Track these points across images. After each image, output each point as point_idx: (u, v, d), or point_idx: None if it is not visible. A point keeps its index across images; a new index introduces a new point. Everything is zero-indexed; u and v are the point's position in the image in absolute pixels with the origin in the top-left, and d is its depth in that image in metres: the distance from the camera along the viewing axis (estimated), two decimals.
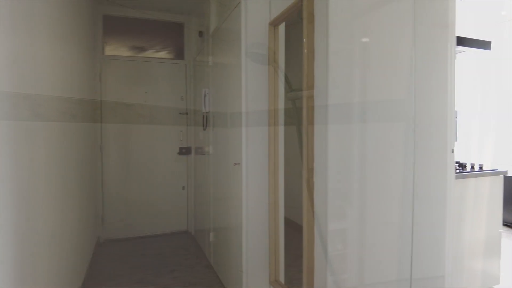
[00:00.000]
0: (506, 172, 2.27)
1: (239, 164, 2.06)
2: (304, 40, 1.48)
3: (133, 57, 3.81)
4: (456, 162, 2.23)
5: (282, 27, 2.03)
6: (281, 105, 2.00)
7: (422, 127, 1.66)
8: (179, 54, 4.03)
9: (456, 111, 2.03)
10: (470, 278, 2.11)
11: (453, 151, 1.81)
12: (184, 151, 3.95)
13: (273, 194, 1.98)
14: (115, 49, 3.77)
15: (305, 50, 1.47)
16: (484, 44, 2.35)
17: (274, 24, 1.92)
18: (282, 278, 2.10)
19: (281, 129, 2.00)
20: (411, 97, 1.62)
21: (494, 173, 2.18)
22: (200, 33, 3.44)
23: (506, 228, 4.08)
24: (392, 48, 1.56)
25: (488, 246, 2.19)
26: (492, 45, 2.41)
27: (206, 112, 2.95)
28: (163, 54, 3.97)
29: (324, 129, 1.43)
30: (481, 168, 2.23)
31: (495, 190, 2.22)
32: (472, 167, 2.24)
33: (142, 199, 3.81)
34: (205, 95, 2.89)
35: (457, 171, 2.12)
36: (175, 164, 3.94)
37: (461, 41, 2.24)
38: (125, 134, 3.74)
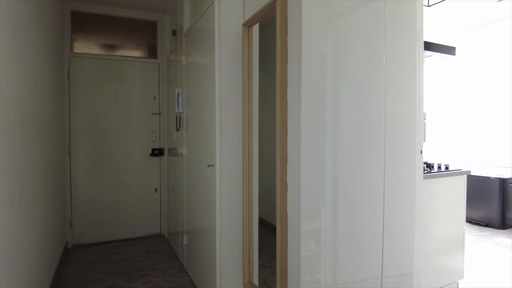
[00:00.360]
0: (469, 172, 2.38)
1: (213, 165, 2.03)
2: (277, 41, 1.48)
3: (104, 55, 3.68)
4: (424, 163, 2.31)
5: (256, 28, 2.03)
6: (255, 106, 1.99)
7: (392, 128, 1.70)
8: (152, 53, 3.94)
9: (425, 113, 2.10)
10: (437, 274, 2.19)
11: (421, 152, 1.87)
12: (157, 152, 3.87)
13: (247, 196, 1.97)
14: (85, 47, 3.63)
15: (278, 52, 1.47)
16: (449, 50, 2.45)
17: (248, 24, 1.91)
18: (256, 280, 2.09)
19: (255, 130, 1.99)
20: (382, 99, 1.66)
21: (458, 173, 2.28)
22: (174, 32, 3.38)
23: (468, 224, 4.29)
24: (364, 51, 1.59)
25: (453, 243, 2.28)
26: (456, 50, 2.52)
27: (180, 113, 2.89)
28: (136, 53, 3.87)
29: (297, 130, 1.43)
30: (447, 168, 2.32)
31: (459, 189, 2.32)
32: (439, 167, 2.33)
33: (113, 202, 3.69)
34: (178, 95, 2.83)
35: (425, 171, 2.19)
36: (148, 166, 3.85)
37: (429, 46, 2.33)
38: (95, 135, 3.61)
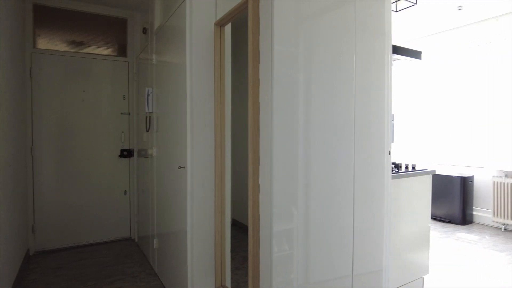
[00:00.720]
0: (434, 171, 2.48)
1: (184, 167, 1.99)
2: (249, 42, 1.47)
3: (70, 52, 3.52)
4: (392, 163, 2.38)
5: (228, 28, 2.01)
6: (228, 106, 1.97)
7: (362, 129, 1.74)
8: (121, 51, 3.81)
9: (393, 114, 2.17)
10: (404, 271, 2.27)
11: (390, 153, 1.92)
12: (126, 153, 3.74)
13: (219, 197, 1.94)
14: (49, 43, 3.45)
15: (250, 52, 1.46)
16: (415, 54, 2.55)
17: (220, 24, 1.89)
18: (228, 283, 2.06)
19: (227, 131, 1.97)
20: (352, 100, 1.69)
21: (424, 172, 2.37)
22: (144, 30, 3.29)
23: (433, 221, 4.48)
24: (335, 53, 1.62)
25: (419, 240, 2.37)
26: (422, 55, 2.63)
27: (150, 113, 2.82)
28: (105, 51, 3.73)
29: (269, 131, 1.42)
30: (414, 168, 2.41)
31: (425, 188, 2.41)
32: (406, 167, 2.42)
33: (80, 205, 3.53)
34: (148, 95, 2.76)
35: (393, 171, 2.26)
36: (116, 168, 3.72)
37: (396, 50, 2.40)
38: (61, 136, 3.44)
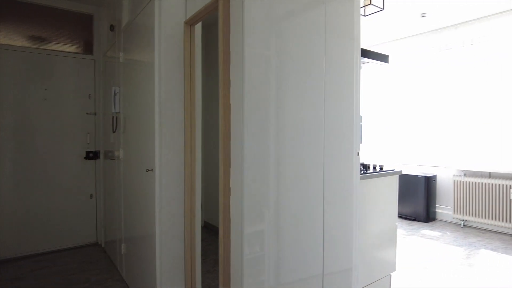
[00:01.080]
0: (401, 171, 2.57)
1: (152, 170, 1.93)
2: (220, 42, 1.45)
3: (30, 48, 3.32)
4: (361, 164, 2.44)
5: (199, 27, 1.97)
6: (198, 107, 1.93)
7: (331, 130, 1.77)
8: (87, 48, 3.65)
9: (361, 116, 2.22)
10: (372, 268, 2.33)
11: (358, 154, 1.97)
12: (92, 155, 3.59)
13: (189, 200, 1.90)
14: (6, 37, 3.24)
15: (221, 53, 1.44)
16: (383, 57, 2.63)
17: (190, 23, 1.85)
18: (199, 286, 2.02)
19: (198, 132, 1.93)
20: (322, 102, 1.71)
21: (391, 173, 2.45)
22: (112, 27, 3.17)
23: (399, 219, 4.66)
24: (305, 56, 1.63)
25: (386, 238, 2.44)
26: (389, 59, 2.71)
27: (117, 113, 2.71)
28: (69, 48, 3.55)
29: (240, 132, 1.41)
30: (381, 168, 2.48)
31: (392, 187, 2.49)
32: (374, 168, 2.48)
33: (42, 210, 3.34)
34: (115, 94, 2.65)
35: (362, 172, 2.32)
36: (82, 170, 3.55)
37: (365, 53, 2.47)
38: (21, 136, 3.23)
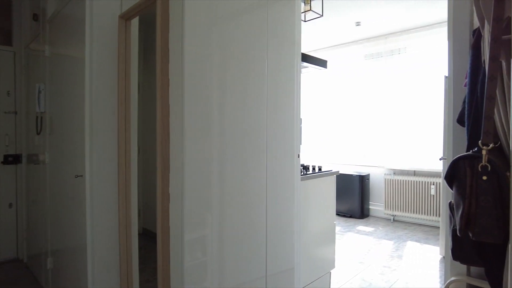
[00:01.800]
0: (338, 172, 2.69)
1: (82, 176, 1.76)
2: (158, 39, 1.37)
3: None
4: (301, 165, 2.50)
5: (135, 22, 1.86)
6: (134, 107, 1.81)
7: (274, 133, 1.78)
8: (5, 39, 3.24)
9: (301, 119, 2.27)
10: (313, 267, 2.40)
11: (299, 156, 2.01)
12: (12, 159, 3.19)
13: (124, 207, 1.77)
14: None
15: (159, 50, 1.36)
16: (322, 63, 2.73)
17: (125, 17, 1.73)
18: None
19: (134, 135, 1.81)
20: (264, 104, 1.71)
21: (330, 173, 2.56)
22: (35, 16, 2.85)
23: (337, 217, 4.91)
24: (248, 58, 1.62)
25: (326, 236, 2.54)
26: (328, 64, 2.83)
27: (41, 113, 2.44)
28: None
29: (180, 134, 1.35)
30: (320, 169, 2.57)
31: (331, 187, 2.60)
32: (313, 169, 2.57)
33: None
34: (39, 92, 2.38)
35: (302, 173, 2.38)
36: None
37: (305, 58, 2.54)
38: None
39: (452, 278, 1.27)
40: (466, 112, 0.96)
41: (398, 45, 4.71)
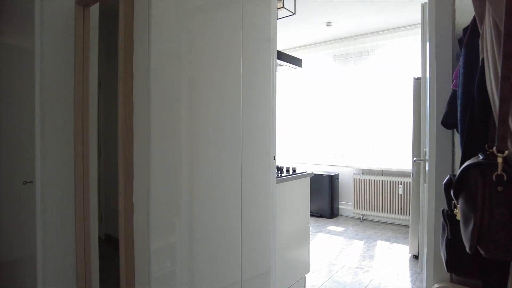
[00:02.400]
0: (312, 174, 2.63)
1: (31, 182, 1.55)
2: (120, 27, 1.21)
3: None
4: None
5: (95, 10, 1.67)
6: (93, 105, 1.63)
7: (249, 134, 1.68)
8: None
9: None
10: (288, 271, 2.32)
11: (274, 158, 1.92)
12: None
13: (81, 215, 1.59)
14: None
15: (122, 41, 1.20)
16: (297, 61, 2.66)
17: (83, 3, 1.54)
18: None
19: (93, 135, 1.63)
20: (239, 104, 1.60)
21: (304, 175, 2.49)
22: None
23: (310, 217, 4.90)
24: (222, 55, 1.50)
25: (300, 238, 2.47)
26: (302, 63, 2.77)
27: None
28: None
29: (146, 136, 1.20)
30: (294, 171, 2.50)
31: (305, 189, 2.54)
32: (288, 171, 2.49)
33: None
34: None
35: (277, 175, 2.29)
36: None
37: (281, 56, 2.45)
38: None
39: (436, 285, 1.23)
40: (459, 115, 0.91)
41: (367, 46, 4.77)
